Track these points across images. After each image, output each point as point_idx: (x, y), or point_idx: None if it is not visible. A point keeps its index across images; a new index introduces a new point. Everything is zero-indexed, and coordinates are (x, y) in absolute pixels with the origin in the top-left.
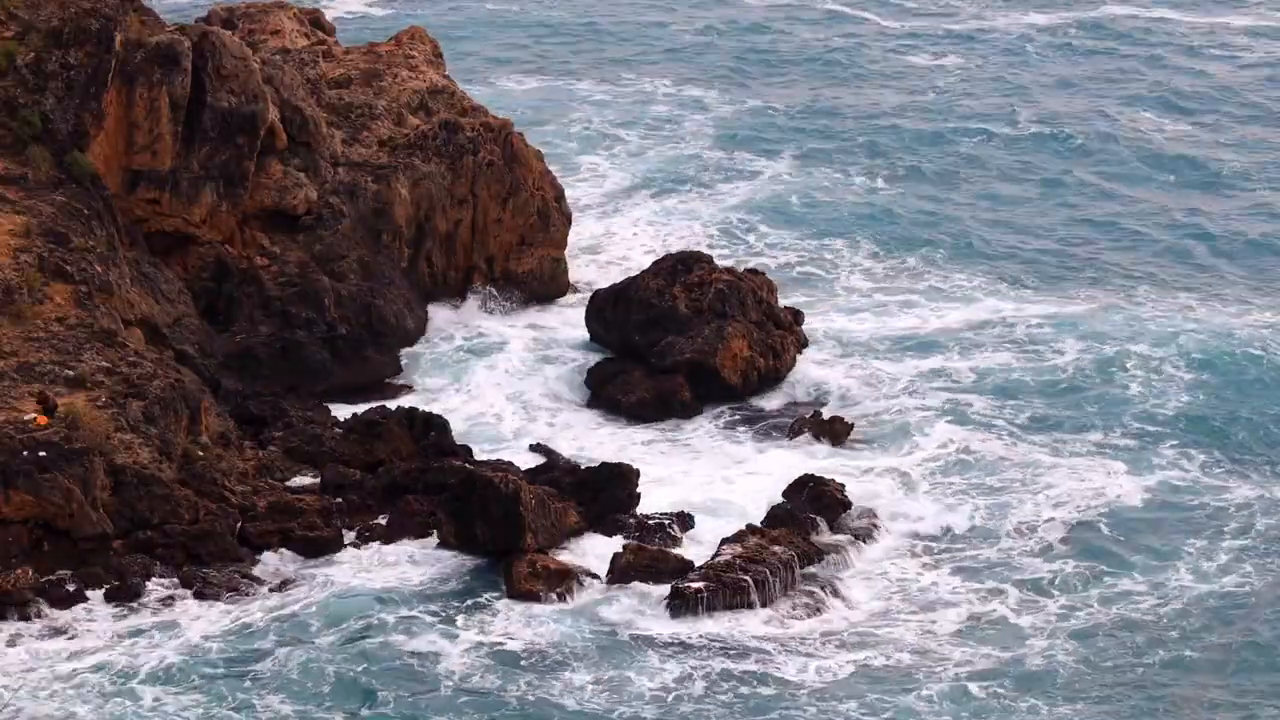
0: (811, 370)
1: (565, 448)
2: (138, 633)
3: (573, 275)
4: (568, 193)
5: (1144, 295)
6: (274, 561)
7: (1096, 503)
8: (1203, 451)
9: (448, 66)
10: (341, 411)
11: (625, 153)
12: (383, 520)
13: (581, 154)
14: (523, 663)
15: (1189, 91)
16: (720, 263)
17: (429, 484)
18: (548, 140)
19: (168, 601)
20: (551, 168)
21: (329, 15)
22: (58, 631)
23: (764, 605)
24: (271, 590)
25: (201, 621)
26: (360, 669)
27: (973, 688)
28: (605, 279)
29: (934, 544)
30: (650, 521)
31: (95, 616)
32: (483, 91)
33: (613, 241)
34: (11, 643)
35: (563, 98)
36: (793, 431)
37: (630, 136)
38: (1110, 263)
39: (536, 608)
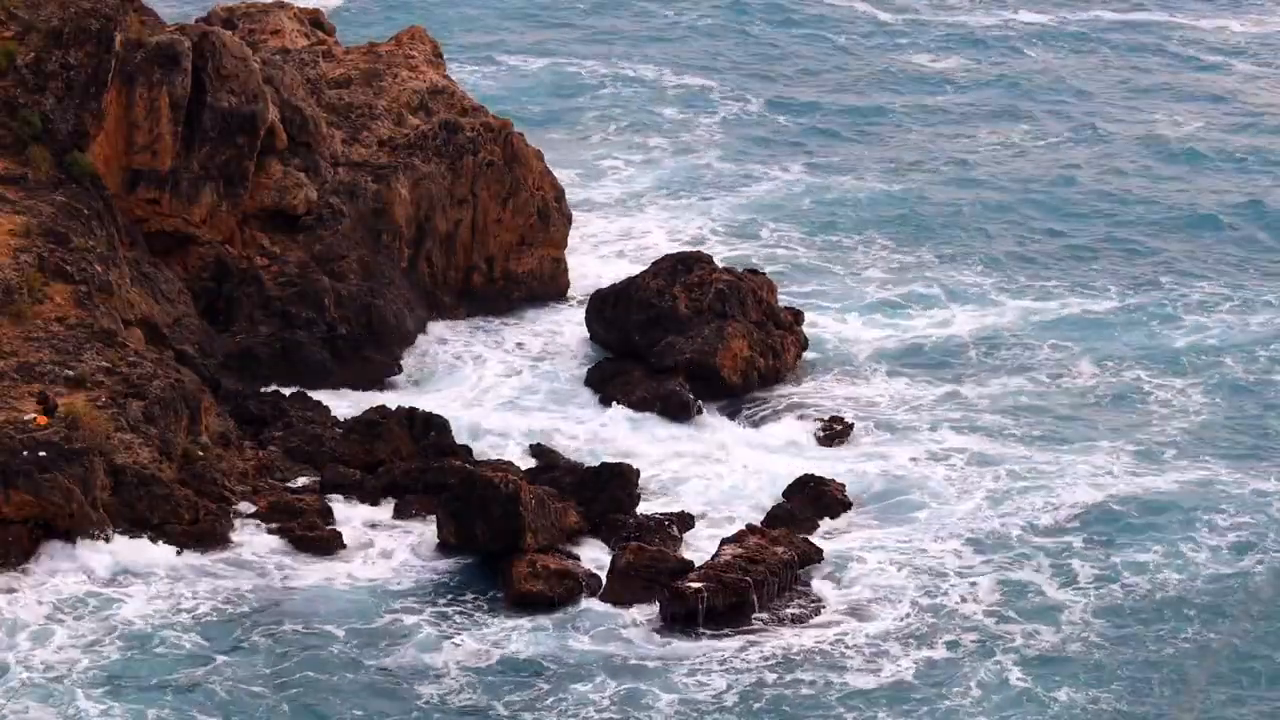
0: (819, 370)
1: (565, 448)
2: (108, 623)
3: (578, 275)
4: (576, 190)
5: (1165, 294)
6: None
7: (1116, 494)
8: (1224, 445)
9: (453, 48)
10: (339, 405)
11: (633, 151)
12: (384, 515)
13: (588, 153)
14: (523, 676)
15: (1202, 86)
16: (734, 264)
17: (429, 484)
18: (555, 137)
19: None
20: (561, 163)
21: (335, 3)
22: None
23: (763, 607)
24: (262, 585)
25: (182, 615)
26: (347, 677)
27: (1011, 677)
28: (612, 279)
29: (950, 535)
30: (650, 521)
31: (84, 600)
32: (490, 70)
33: (620, 241)
34: None
35: (570, 86)
36: (796, 431)
37: (639, 136)
38: (1129, 262)
39: (535, 617)
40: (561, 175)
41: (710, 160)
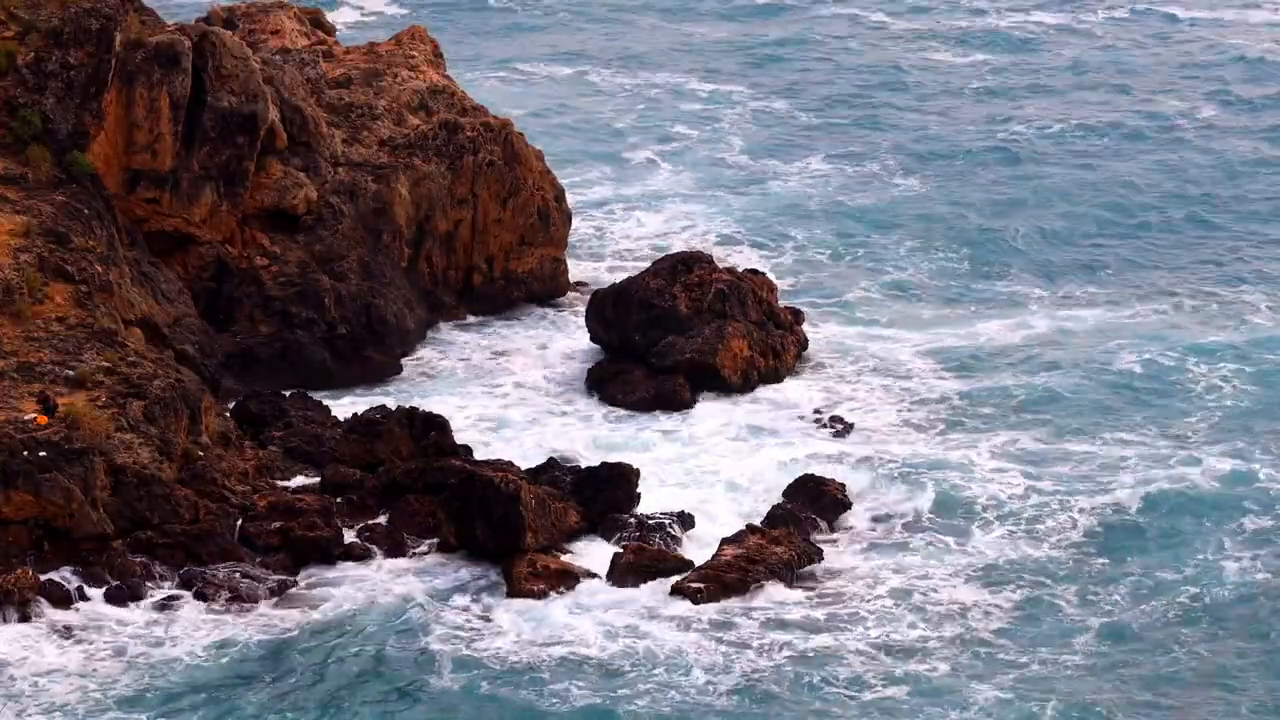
0: (823, 369)
1: (566, 447)
2: (122, 647)
3: (584, 275)
4: (584, 192)
5: (1198, 297)
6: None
7: (1140, 498)
8: (1256, 451)
9: (457, 56)
10: (339, 405)
11: (649, 150)
12: (383, 519)
13: (599, 153)
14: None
15: (1235, 85)
16: (754, 265)
17: (429, 484)
18: (566, 136)
19: (164, 606)
20: (572, 164)
21: (349, 18)
22: (58, 636)
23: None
24: (270, 596)
25: (196, 632)
26: (362, 682)
27: (1015, 675)
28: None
29: (952, 536)
30: (650, 521)
31: (92, 622)
32: (502, 77)
33: (636, 242)
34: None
35: (587, 90)
36: (798, 431)
37: (658, 133)
38: (1161, 264)
39: (542, 610)
40: (582, 177)
41: (734, 162)
